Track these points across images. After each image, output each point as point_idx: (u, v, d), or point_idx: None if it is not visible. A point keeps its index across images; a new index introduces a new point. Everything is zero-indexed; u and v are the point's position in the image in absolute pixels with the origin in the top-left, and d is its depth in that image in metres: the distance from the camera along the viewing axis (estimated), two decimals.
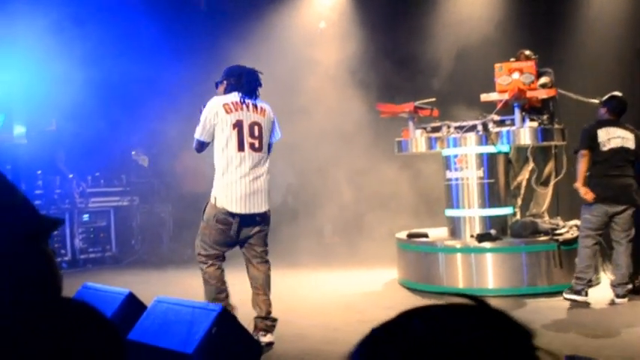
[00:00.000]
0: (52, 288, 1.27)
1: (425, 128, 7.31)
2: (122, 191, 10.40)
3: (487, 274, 6.56)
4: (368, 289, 7.17)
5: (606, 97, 6.15)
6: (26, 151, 9.45)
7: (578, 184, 5.92)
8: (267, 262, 4.89)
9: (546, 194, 7.30)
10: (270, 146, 4.95)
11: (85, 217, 9.94)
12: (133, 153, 10.49)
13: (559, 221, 7.04)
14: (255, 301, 4.80)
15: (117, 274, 8.92)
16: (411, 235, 7.28)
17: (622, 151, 5.90)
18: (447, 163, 7.16)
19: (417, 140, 7.24)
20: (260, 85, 4.88)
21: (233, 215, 4.63)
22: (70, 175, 9.84)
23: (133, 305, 4.02)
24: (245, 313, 4.72)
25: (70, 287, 4.56)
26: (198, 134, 4.76)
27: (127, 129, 10.05)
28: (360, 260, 8.58)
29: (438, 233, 7.46)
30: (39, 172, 9.51)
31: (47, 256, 1.28)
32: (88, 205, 9.90)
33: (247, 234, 4.75)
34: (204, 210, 4.80)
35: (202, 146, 4.82)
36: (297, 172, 10.76)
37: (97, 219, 10.06)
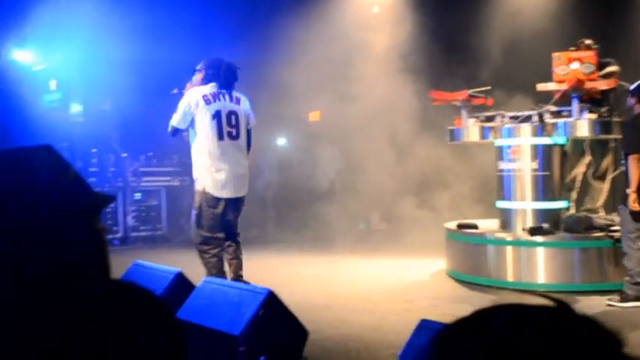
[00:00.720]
0: (101, 268, 1.27)
1: (478, 117, 7.17)
2: (174, 171, 10.55)
3: (537, 268, 6.42)
4: (414, 278, 7.12)
5: (635, 85, 5.61)
6: (82, 130, 9.66)
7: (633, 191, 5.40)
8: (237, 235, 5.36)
9: (602, 189, 7.08)
10: (248, 133, 5.23)
11: (137, 195, 10.13)
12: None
13: (615, 217, 6.83)
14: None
15: (166, 253, 9.07)
16: (460, 226, 7.18)
17: None
18: (500, 153, 7.01)
19: (470, 129, 7.11)
20: (237, 79, 5.16)
21: (219, 200, 4.97)
22: (124, 154, 10.03)
23: (181, 284, 4.07)
24: (288, 294, 4.73)
25: (121, 264, 4.65)
26: (175, 122, 5.07)
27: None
28: (407, 249, 8.51)
29: (488, 225, 7.34)
30: (94, 150, 9.72)
31: (97, 234, 1.28)
32: (140, 184, 10.09)
33: (231, 216, 5.11)
34: (193, 199, 5.12)
35: (176, 132, 5.16)
36: (345, 158, 10.73)
37: (148, 198, 10.24)
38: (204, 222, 5.01)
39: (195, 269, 6.81)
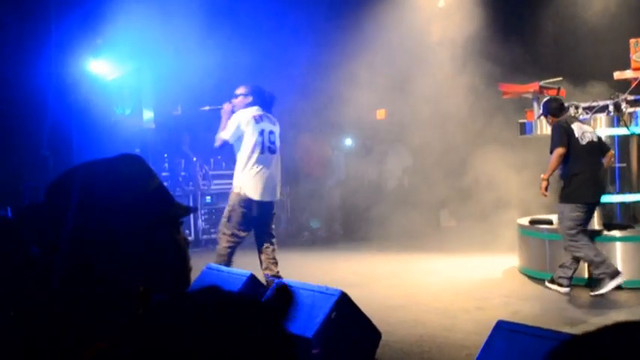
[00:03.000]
0: (182, 279, 1.29)
1: None
2: None
3: (616, 264, 6.18)
4: (486, 276, 6.98)
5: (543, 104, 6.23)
6: (154, 136, 9.91)
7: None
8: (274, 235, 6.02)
9: None
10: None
11: (208, 198, 10.31)
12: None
13: None
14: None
15: (238, 256, 9.16)
16: (533, 222, 7.00)
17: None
18: None
19: (543, 122, 6.91)
20: (274, 104, 6.06)
21: (252, 201, 5.70)
22: (194, 158, 10.23)
23: (254, 287, 4.12)
24: (360, 295, 4.72)
25: (194, 267, 4.73)
26: (227, 136, 5.81)
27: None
28: (478, 246, 8.36)
29: None
30: (165, 155, 9.95)
31: (179, 242, 1.30)
32: (210, 187, 10.26)
33: (263, 216, 5.80)
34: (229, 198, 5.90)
35: (224, 146, 5.91)
36: (414, 155, 10.64)
37: (218, 201, 10.41)
38: (234, 218, 5.69)
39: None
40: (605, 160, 5.98)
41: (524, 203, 8.66)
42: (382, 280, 6.95)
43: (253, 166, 5.81)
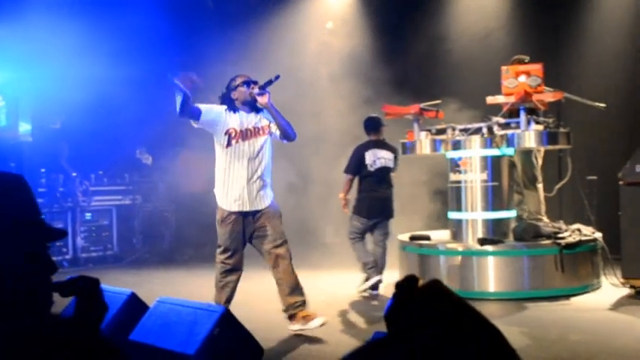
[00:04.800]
0: (44, 301, 1.27)
1: (430, 130, 7.30)
2: (125, 190, 10.41)
3: (489, 277, 6.55)
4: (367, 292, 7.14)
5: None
6: (31, 149, 9.47)
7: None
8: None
9: (536, 196, 7.32)
10: None
11: (88, 215, 9.95)
12: (137, 152, 10.48)
13: (561, 225, 7.03)
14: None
15: (118, 274, 8.93)
16: (413, 238, 7.27)
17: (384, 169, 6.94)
18: (451, 165, 7.16)
19: (422, 142, 7.23)
20: None
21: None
22: (74, 174, 9.85)
23: (135, 305, 4.02)
24: (243, 312, 4.72)
25: None
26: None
27: (132, 128, 10.04)
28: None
29: (440, 236, 7.45)
30: (43, 170, 9.52)
31: (43, 267, 1.28)
32: (90, 203, 9.91)
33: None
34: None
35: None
36: (298, 171, 10.75)
37: (99, 217, 10.08)
38: None
39: (148, 289, 6.74)
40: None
41: (404, 220, 8.97)
42: (266, 297, 6.95)
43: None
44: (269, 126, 5.14)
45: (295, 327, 5.07)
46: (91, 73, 8.71)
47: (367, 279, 6.82)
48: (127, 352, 3.46)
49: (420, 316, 0.92)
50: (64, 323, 0.99)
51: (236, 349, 3.42)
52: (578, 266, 6.58)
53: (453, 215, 7.21)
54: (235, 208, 5.05)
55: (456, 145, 7.00)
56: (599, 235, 6.90)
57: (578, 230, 6.77)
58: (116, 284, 5.27)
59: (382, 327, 1.05)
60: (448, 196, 7.31)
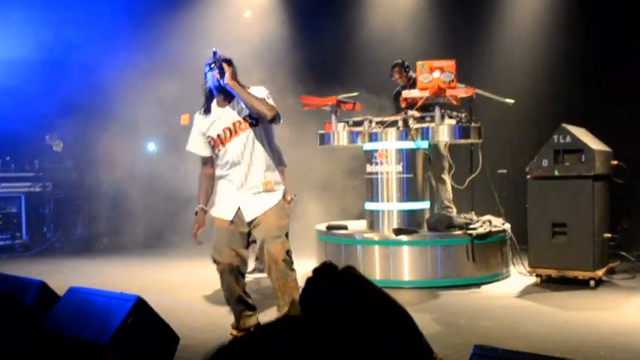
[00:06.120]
0: None
1: (347, 122, 7.40)
2: (34, 177, 10.04)
3: (403, 266, 6.72)
4: None
5: None
6: None
7: None
8: None
9: (444, 188, 7.57)
10: None
11: None
12: (47, 137, 10.11)
13: (473, 216, 7.30)
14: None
15: (27, 263, 8.62)
16: (330, 227, 7.37)
17: None
18: (367, 157, 7.28)
19: (339, 134, 7.32)
20: None
21: None
22: None
23: (45, 295, 3.90)
24: (161, 302, 4.67)
25: None
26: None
27: (42, 112, 9.68)
28: None
29: (357, 226, 7.58)
30: None
31: None
32: None
33: None
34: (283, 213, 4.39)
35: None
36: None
37: (6, 205, 9.69)
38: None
39: (59, 279, 6.55)
40: None
41: (322, 210, 9.07)
42: (184, 287, 6.90)
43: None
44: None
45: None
46: (2, 53, 8.34)
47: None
48: (40, 342, 3.36)
49: (332, 300, 0.95)
50: None
51: (150, 337, 3.39)
52: (488, 256, 6.84)
53: (369, 206, 7.35)
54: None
55: (373, 137, 7.13)
56: (508, 226, 7.19)
57: (489, 221, 7.04)
58: (25, 274, 5.09)
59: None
60: (365, 187, 7.43)
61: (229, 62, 4.26)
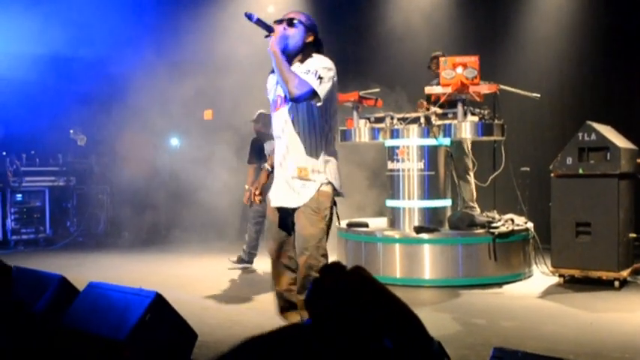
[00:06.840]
0: None
1: (368, 118, 7.34)
2: (58, 171, 10.14)
3: (424, 264, 6.66)
4: None
5: (255, 115, 7.75)
6: None
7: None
8: None
9: (467, 187, 7.48)
10: None
11: (19, 196, 9.65)
12: (71, 132, 10.20)
13: (495, 214, 7.21)
14: None
15: (50, 257, 8.71)
16: (350, 225, 7.33)
17: None
18: (389, 154, 7.23)
19: (361, 130, 7.27)
20: None
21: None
22: (4, 153, 9.53)
23: (65, 290, 3.91)
24: (178, 299, 4.67)
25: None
26: (324, 92, 3.60)
27: (66, 107, 9.77)
28: None
29: (378, 223, 7.53)
30: None
31: None
32: (21, 184, 9.61)
33: None
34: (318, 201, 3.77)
35: (302, 104, 3.68)
36: (239, 157, 10.68)
37: (30, 199, 9.79)
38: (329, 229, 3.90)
39: (80, 273, 6.59)
40: None
41: (342, 207, 9.01)
42: (201, 282, 6.91)
43: (334, 147, 3.86)
44: None
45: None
46: (24, 51, 8.42)
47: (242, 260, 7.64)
48: (59, 337, 3.37)
49: (339, 301, 0.93)
50: None
51: (168, 333, 3.38)
52: (510, 255, 6.76)
53: (390, 203, 7.30)
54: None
55: (394, 134, 7.08)
56: (530, 225, 7.10)
57: (511, 220, 6.95)
58: (47, 268, 5.13)
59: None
60: (386, 184, 7.38)
61: (290, 22, 3.74)
